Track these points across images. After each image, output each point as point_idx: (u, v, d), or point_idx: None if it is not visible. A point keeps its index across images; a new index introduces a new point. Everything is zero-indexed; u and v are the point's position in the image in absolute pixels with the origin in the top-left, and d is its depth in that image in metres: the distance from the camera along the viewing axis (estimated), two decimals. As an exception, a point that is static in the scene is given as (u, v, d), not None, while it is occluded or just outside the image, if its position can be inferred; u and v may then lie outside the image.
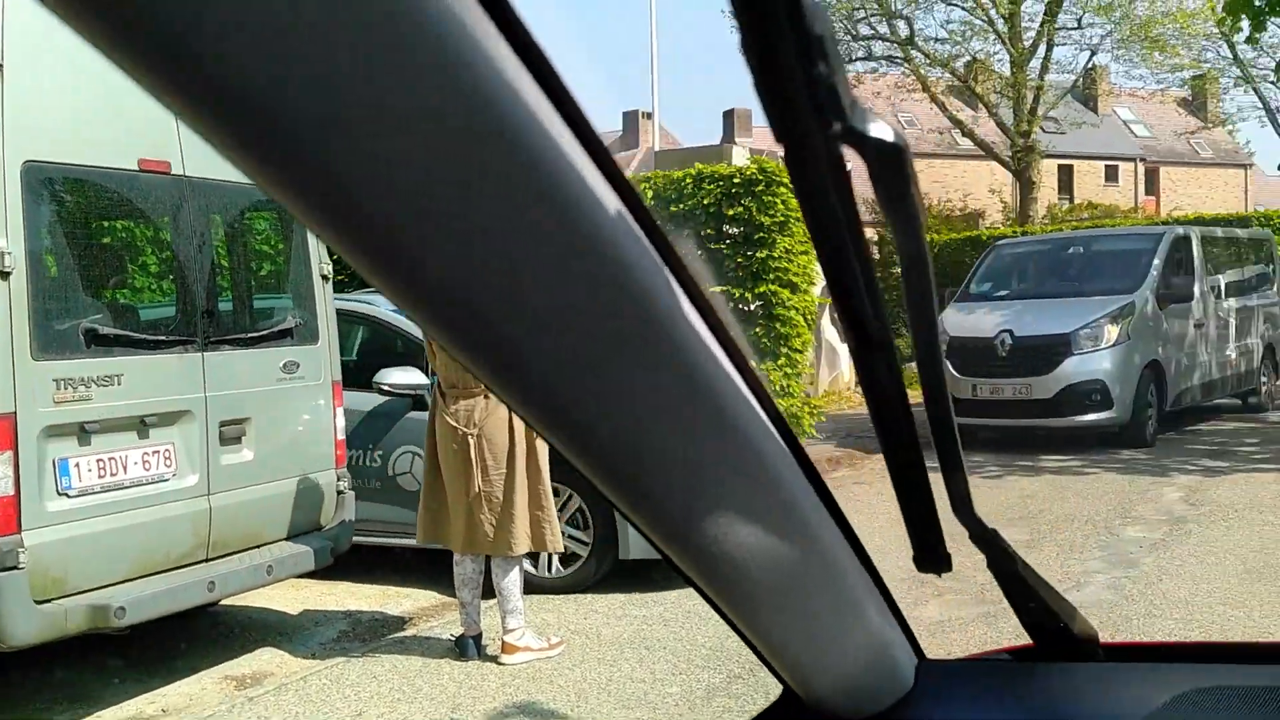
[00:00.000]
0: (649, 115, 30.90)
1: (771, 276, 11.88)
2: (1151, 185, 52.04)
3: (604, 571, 6.64)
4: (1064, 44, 28.69)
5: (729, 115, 44.38)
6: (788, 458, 0.72)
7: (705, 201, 12.10)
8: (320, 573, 6.10)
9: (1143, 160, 51.73)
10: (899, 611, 0.98)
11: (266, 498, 5.74)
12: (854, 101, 0.48)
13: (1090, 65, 33.61)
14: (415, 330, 6.95)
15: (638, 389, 0.59)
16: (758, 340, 11.64)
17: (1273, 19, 15.32)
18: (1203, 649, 1.17)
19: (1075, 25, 27.92)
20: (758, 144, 36.75)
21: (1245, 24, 14.20)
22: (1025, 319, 12.27)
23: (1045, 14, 27.15)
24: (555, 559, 6.62)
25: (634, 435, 0.61)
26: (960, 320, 12.88)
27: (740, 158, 13.76)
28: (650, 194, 12.50)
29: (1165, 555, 7.08)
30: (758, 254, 11.91)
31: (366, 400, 6.84)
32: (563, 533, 5.88)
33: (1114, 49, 29.37)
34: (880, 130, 0.48)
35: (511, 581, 5.54)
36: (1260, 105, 31.84)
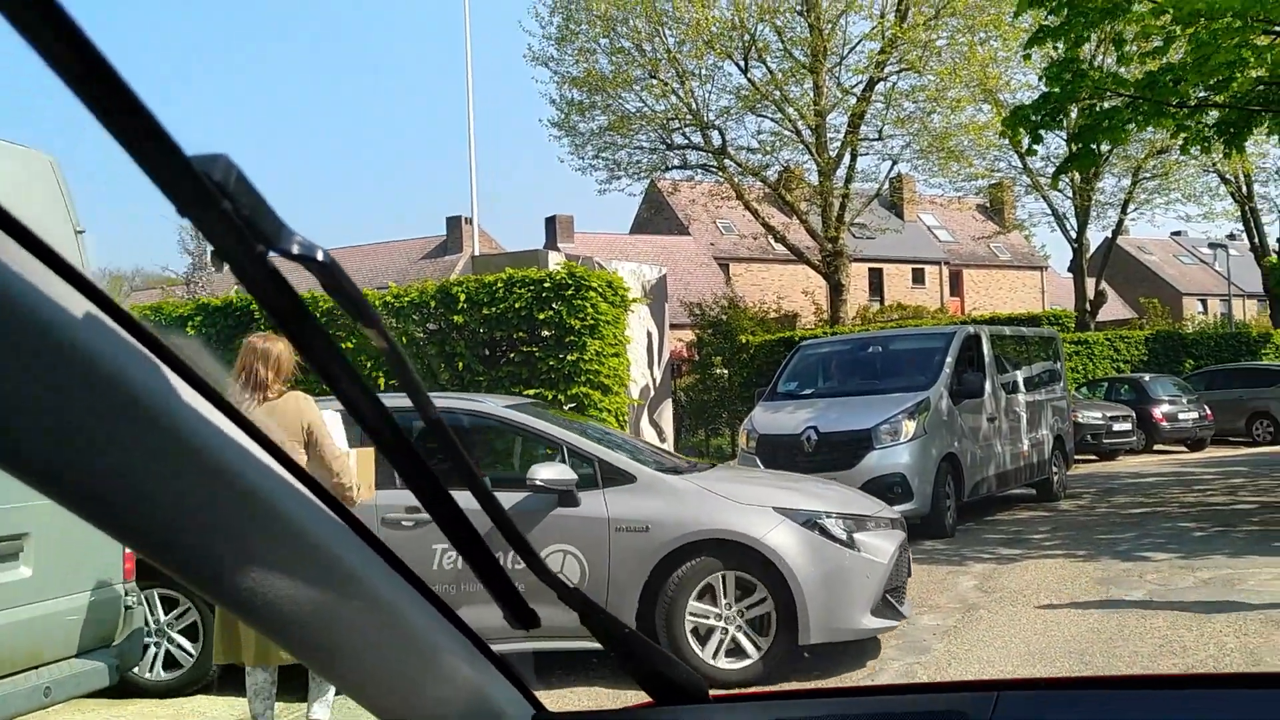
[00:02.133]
0: (470, 221, 31.07)
1: (583, 378, 12.07)
2: (956, 287, 54.61)
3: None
4: (867, 154, 30.07)
5: (551, 221, 44.99)
6: (346, 534, 0.81)
7: (517, 305, 12.27)
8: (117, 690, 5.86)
9: (947, 263, 54.34)
10: (509, 666, 1.06)
11: (46, 615, 5.52)
12: (279, 227, 0.58)
13: (893, 174, 35.27)
14: (543, 428, 7.06)
15: (199, 500, 0.68)
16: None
17: (1050, 131, 16.41)
18: (813, 691, 1.29)
19: (877, 136, 29.33)
20: (580, 249, 37.29)
21: (1026, 138, 15.20)
22: (829, 416, 12.71)
23: (849, 126, 28.52)
24: (723, 649, 6.63)
25: (203, 531, 0.70)
26: (768, 418, 13.28)
27: (555, 263, 14.00)
28: (464, 298, 12.61)
29: (956, 641, 7.36)
30: (569, 356, 12.09)
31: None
32: (741, 629, 6.34)
33: (914, 159, 30.94)
34: (304, 248, 0.59)
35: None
36: (1049, 211, 33.96)
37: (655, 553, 6.48)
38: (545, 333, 12.31)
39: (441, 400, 6.77)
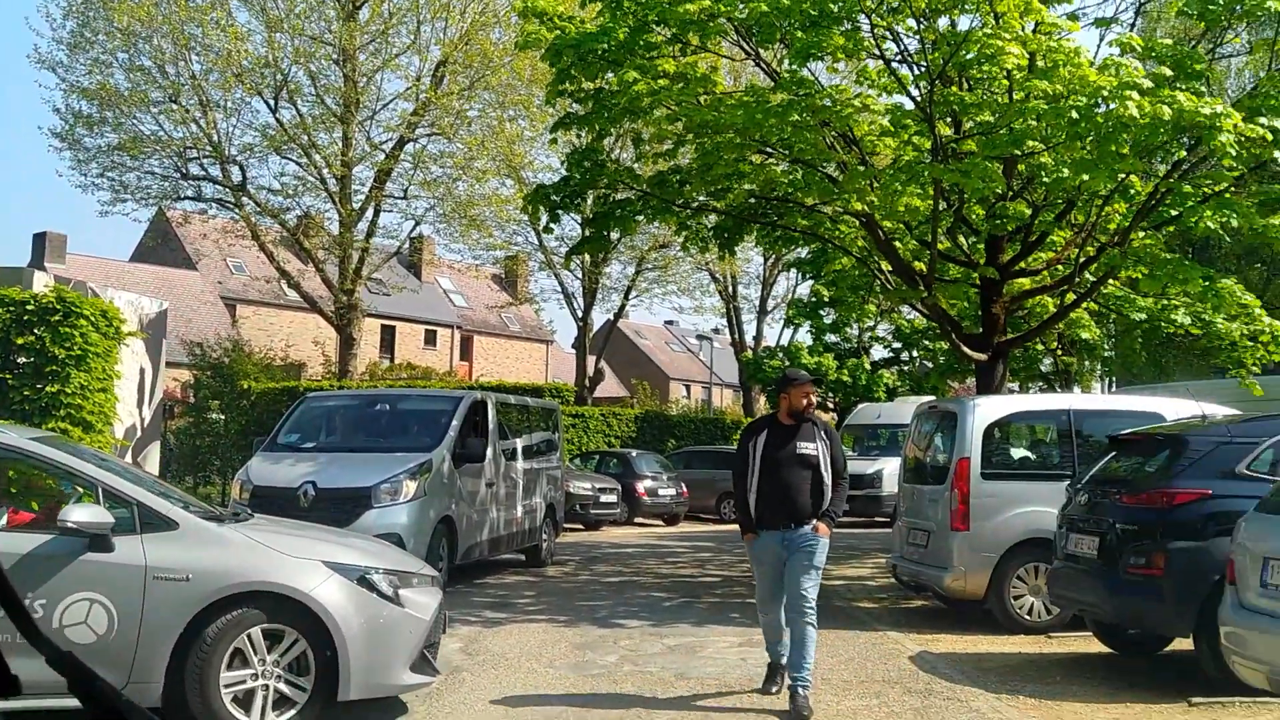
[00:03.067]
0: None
1: (62, 413, 11.09)
2: (467, 351, 55.72)
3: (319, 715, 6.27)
4: (391, 211, 30.22)
5: (40, 238, 41.13)
6: None
7: (-9, 326, 11.08)
8: None
9: (459, 328, 55.35)
10: None
11: None
12: None
13: (415, 234, 35.54)
14: (77, 465, 6.35)
15: None
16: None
17: (567, 213, 17.23)
18: None
19: (402, 195, 29.50)
20: (73, 271, 34.37)
21: (544, 216, 15.86)
22: (330, 471, 12.45)
23: (375, 181, 28.45)
24: (269, 705, 6.15)
25: None
26: (265, 469, 12.79)
27: (42, 284, 12.80)
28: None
29: (437, 704, 7.37)
30: (48, 388, 11.07)
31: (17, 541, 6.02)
32: (281, 679, 6.19)
33: (436, 222, 31.36)
34: None
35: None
36: (560, 289, 35.55)
37: (195, 604, 6.05)
38: (23, 359, 11.20)
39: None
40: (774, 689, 7.61)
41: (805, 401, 7.52)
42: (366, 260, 29.02)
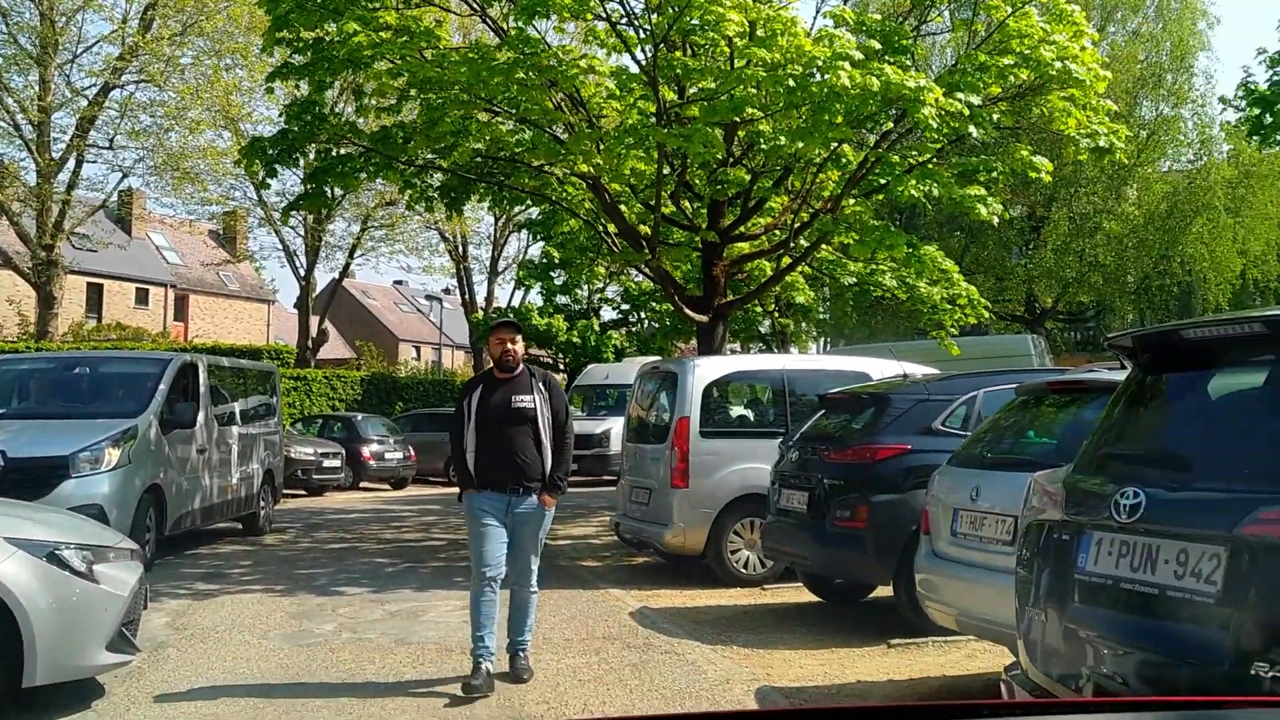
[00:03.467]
0: None
1: None
2: (182, 311, 53.03)
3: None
4: (95, 161, 28.43)
5: None
6: None
7: None
8: None
9: (174, 287, 52.57)
10: None
11: None
12: None
13: (123, 187, 33.50)
14: None
15: None
16: None
17: (286, 168, 16.54)
18: None
19: (108, 145, 27.71)
20: None
21: (262, 171, 15.15)
22: (22, 439, 11.53)
23: (77, 129, 26.58)
24: None
25: None
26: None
27: None
28: None
29: (138, 684, 6.96)
30: None
31: None
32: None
33: (147, 174, 29.67)
34: None
35: None
36: (281, 246, 34.27)
37: None
38: None
39: None
40: (477, 682, 6.64)
41: (501, 349, 7.11)
42: (68, 214, 27.10)
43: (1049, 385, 6.96)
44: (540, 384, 7.14)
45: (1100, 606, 3.54)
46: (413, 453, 26.30)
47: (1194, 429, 3.71)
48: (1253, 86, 40.24)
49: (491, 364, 7.35)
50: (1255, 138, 35.82)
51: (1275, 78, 39.27)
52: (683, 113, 13.61)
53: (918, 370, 10.97)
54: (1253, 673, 2.92)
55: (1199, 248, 27.56)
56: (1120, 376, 4.41)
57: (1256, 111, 39.48)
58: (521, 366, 7.23)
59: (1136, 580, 3.37)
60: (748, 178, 15.17)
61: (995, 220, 14.03)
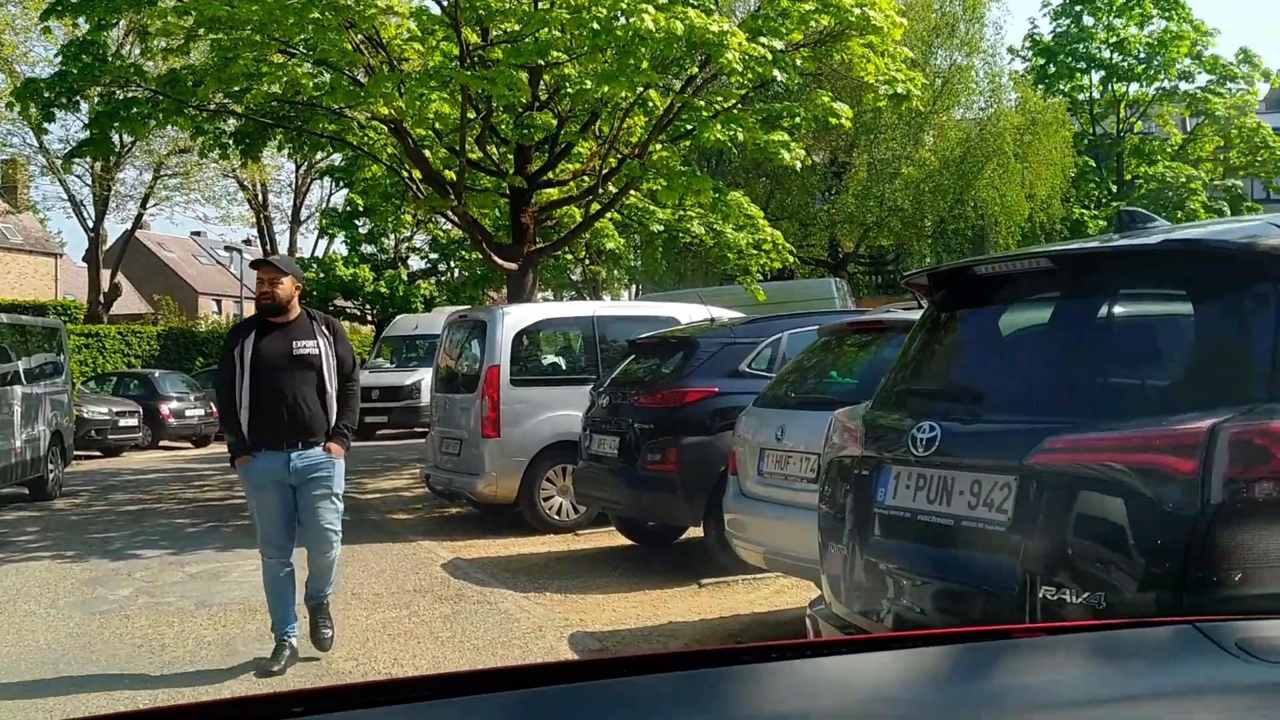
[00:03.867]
0: None
1: None
2: (-42, 267, 49.76)
3: None
4: None
5: None
6: None
7: None
8: None
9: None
10: None
11: None
12: None
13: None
14: None
15: None
16: None
17: (66, 112, 15.56)
18: None
19: None
20: None
21: (39, 115, 14.25)
22: None
23: None
24: None
25: None
26: None
27: None
28: None
29: (-90, 661, 6.53)
30: None
31: None
32: None
33: (-89, 119, 27.61)
34: None
35: None
36: (65, 195, 32.47)
37: None
38: None
39: None
40: (276, 668, 6.12)
41: (260, 291, 6.30)
42: None
43: (849, 326, 7.11)
44: (323, 327, 6.38)
45: (899, 539, 3.61)
46: (214, 409, 25.38)
47: (986, 363, 3.80)
48: (1038, 38, 42.18)
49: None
50: (1040, 86, 37.55)
51: (1058, 29, 41.15)
52: (486, 55, 13.36)
53: (724, 314, 11.09)
54: (1041, 596, 3.02)
55: (990, 192, 28.67)
56: (917, 316, 4.50)
57: (1041, 61, 41.43)
58: (299, 309, 6.43)
59: (933, 512, 3.44)
60: (555, 122, 15.02)
61: (798, 166, 14.27)
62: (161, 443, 24.42)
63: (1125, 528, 2.92)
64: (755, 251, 15.99)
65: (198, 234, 71.20)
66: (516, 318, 11.25)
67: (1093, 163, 39.43)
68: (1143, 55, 39.75)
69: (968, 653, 1.23)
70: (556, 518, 10.82)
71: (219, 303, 66.32)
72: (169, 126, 17.57)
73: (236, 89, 13.89)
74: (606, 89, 12.57)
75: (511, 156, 15.43)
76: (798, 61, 13.64)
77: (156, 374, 25.81)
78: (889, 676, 1.18)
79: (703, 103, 14.01)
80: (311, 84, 14.22)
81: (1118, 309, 3.53)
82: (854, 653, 1.22)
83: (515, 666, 1.24)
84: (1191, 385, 3.08)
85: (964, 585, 3.36)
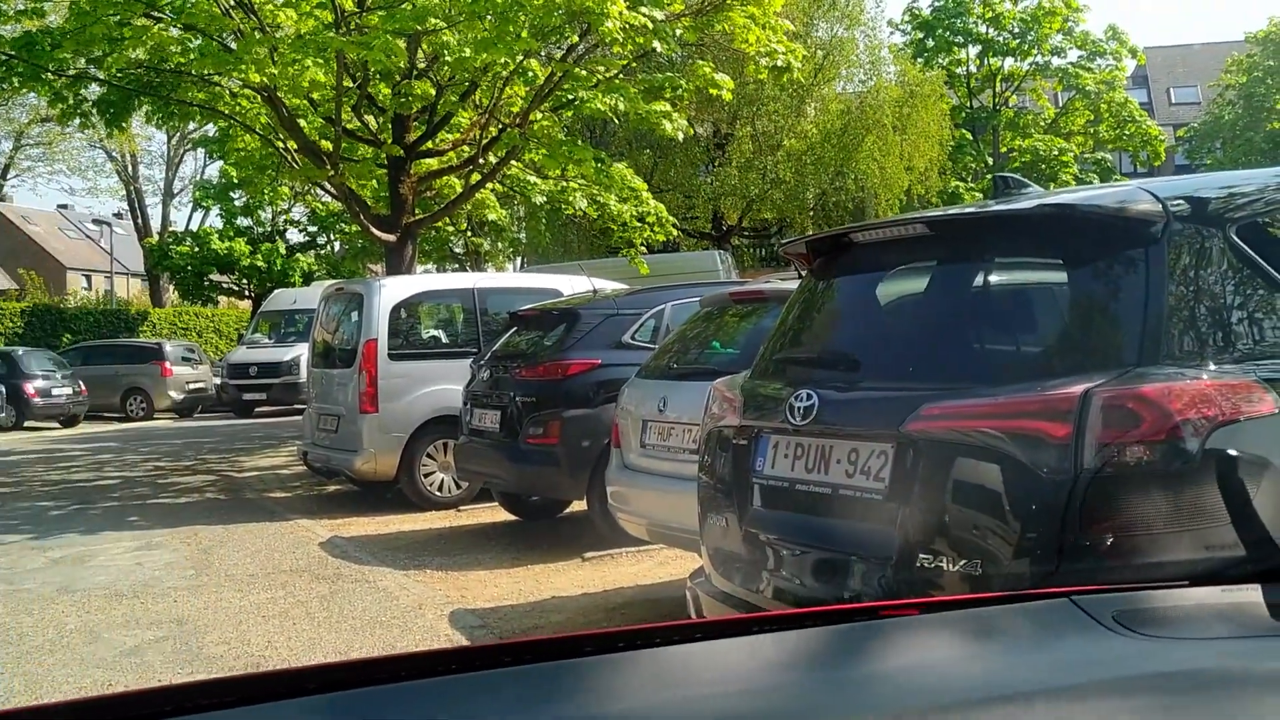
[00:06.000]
0: None
1: None
2: None
3: None
4: None
5: None
6: None
7: None
8: None
9: None
10: None
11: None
12: None
13: None
14: None
15: None
16: None
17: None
18: None
19: None
20: None
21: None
22: None
23: None
24: None
25: None
26: None
27: None
28: None
29: None
30: None
31: None
32: None
33: None
34: None
35: None
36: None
37: None
38: None
39: None
40: None
41: None
42: None
43: (731, 296, 7.07)
44: None
45: (778, 509, 3.57)
46: (83, 387, 24.57)
47: (864, 331, 3.77)
48: (917, 11, 42.79)
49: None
50: (919, 60, 38.12)
51: (936, 4, 41.78)
52: (362, 21, 13.01)
53: (608, 286, 11.01)
54: (918, 564, 3.00)
55: (870, 165, 28.96)
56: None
57: (920, 35, 42.04)
58: None
59: (811, 481, 3.40)
60: (434, 91, 14.72)
61: (680, 137, 14.21)
62: (27, 423, 23.55)
63: (1001, 494, 2.90)
64: (639, 224, 15.91)
65: (65, 207, 68.66)
66: (394, 290, 11.02)
67: (970, 136, 40.22)
68: (1017, 30, 40.61)
69: (838, 635, 1.17)
70: (438, 494, 10.65)
71: (89, 278, 64.09)
72: (26, 93, 16.84)
73: (98, 53, 13.30)
74: (485, 56, 12.34)
75: (390, 125, 15.10)
76: (678, 32, 13.55)
77: (20, 352, 24.84)
78: (746, 662, 1.10)
79: (585, 72, 13.86)
80: (179, 49, 13.70)
81: (994, 275, 3.52)
82: (712, 638, 1.14)
83: (334, 664, 1.15)
84: (1066, 350, 3.08)
85: (842, 555, 3.33)
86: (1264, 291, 3.01)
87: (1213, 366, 2.84)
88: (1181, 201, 3.07)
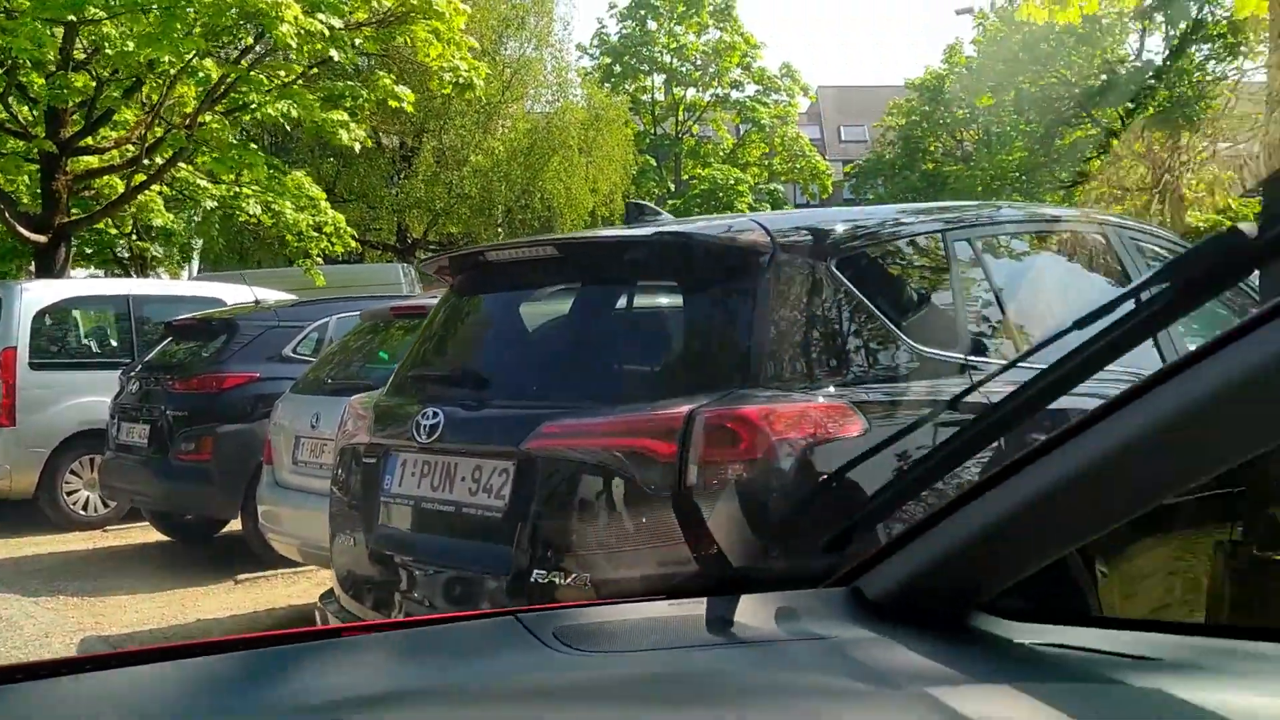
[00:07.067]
0: None
1: None
2: None
3: None
4: None
5: None
6: None
7: None
8: None
9: None
10: None
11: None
12: None
13: None
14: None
15: None
16: None
17: None
18: None
19: None
20: None
21: None
22: None
23: None
24: None
25: None
26: None
27: None
28: None
29: None
30: None
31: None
32: None
33: None
34: None
35: None
36: None
37: None
38: None
39: None
40: None
41: None
42: None
43: (392, 310, 7.00)
44: None
45: (405, 528, 3.55)
46: None
47: (496, 350, 3.81)
48: (606, 37, 43.80)
49: None
50: (607, 85, 39.05)
51: (624, 31, 42.94)
52: (12, 5, 12.10)
53: (271, 296, 10.66)
54: (533, 579, 3.05)
55: (556, 184, 29.41)
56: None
57: (608, 60, 43.06)
58: None
59: (437, 499, 3.41)
60: (94, 85, 13.84)
61: (358, 147, 13.98)
62: None
63: (612, 511, 2.99)
64: (316, 234, 15.51)
65: None
66: (37, 295, 10.28)
67: (653, 161, 41.46)
68: (700, 62, 42.29)
69: (258, 658, 1.17)
70: (82, 513, 9.99)
71: None
72: None
73: None
74: (150, 52, 11.74)
75: (44, 118, 14.08)
76: (357, 41, 13.34)
77: None
78: (141, 694, 1.08)
79: (262, 77, 13.41)
80: None
81: (621, 298, 3.64)
82: (119, 667, 1.11)
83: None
84: (681, 372, 3.21)
85: (466, 572, 3.35)
86: (862, 320, 3.24)
87: (812, 389, 3.03)
88: (790, 234, 3.26)
